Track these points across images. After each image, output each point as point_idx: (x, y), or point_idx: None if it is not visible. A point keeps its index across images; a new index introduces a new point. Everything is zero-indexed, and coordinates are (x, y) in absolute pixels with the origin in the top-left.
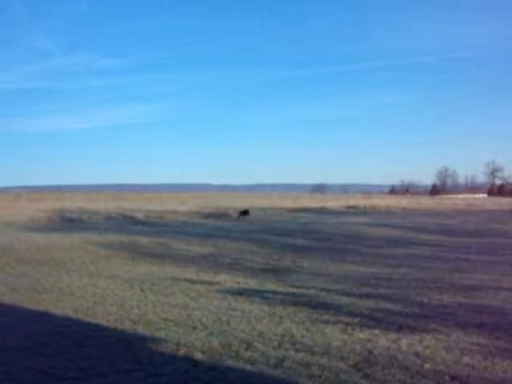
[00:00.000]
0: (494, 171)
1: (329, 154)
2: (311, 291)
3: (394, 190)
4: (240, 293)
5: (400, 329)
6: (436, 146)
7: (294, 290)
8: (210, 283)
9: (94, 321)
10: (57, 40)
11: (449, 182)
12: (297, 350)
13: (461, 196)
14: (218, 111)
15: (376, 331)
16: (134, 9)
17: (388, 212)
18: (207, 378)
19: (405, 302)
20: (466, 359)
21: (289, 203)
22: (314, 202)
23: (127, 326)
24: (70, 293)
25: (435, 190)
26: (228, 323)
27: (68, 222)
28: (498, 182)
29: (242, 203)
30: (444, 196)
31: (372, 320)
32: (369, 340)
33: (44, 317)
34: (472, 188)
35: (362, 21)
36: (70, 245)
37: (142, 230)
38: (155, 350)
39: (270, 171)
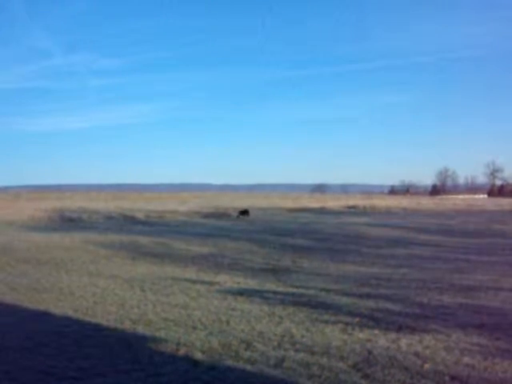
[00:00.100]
0: (494, 172)
1: (329, 154)
2: (311, 291)
3: (394, 191)
4: (240, 293)
5: (400, 329)
6: (436, 147)
7: (294, 290)
8: (210, 283)
9: (93, 320)
10: (56, 39)
11: (449, 182)
12: (296, 350)
13: (461, 196)
14: (218, 111)
15: (376, 331)
16: (133, 8)
17: (388, 212)
18: (207, 377)
19: (405, 302)
20: (466, 359)
21: (289, 203)
22: (314, 202)
23: (127, 325)
24: (69, 292)
25: (435, 191)
26: (228, 323)
27: (68, 222)
28: (498, 182)
29: (242, 203)
30: (444, 196)
31: (372, 320)
32: (368, 340)
33: (44, 316)
34: (472, 188)
35: (362, 21)
36: (70, 244)
37: (142, 229)
38: (155, 349)
39: (270, 171)
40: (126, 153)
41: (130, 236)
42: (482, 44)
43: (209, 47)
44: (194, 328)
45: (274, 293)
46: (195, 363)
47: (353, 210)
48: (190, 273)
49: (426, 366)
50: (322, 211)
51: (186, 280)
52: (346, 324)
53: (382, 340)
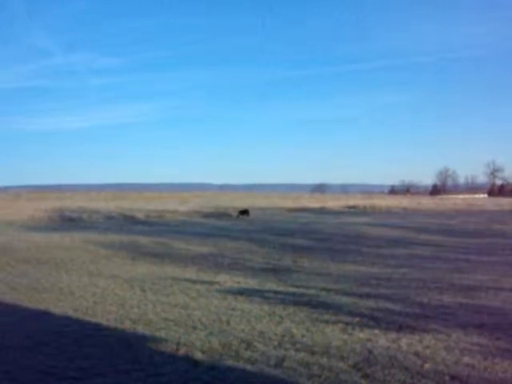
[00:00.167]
0: (494, 171)
1: (329, 154)
2: (311, 291)
3: (394, 190)
4: (240, 292)
5: (400, 329)
6: (436, 146)
7: (294, 290)
8: (210, 283)
9: (93, 320)
10: (56, 39)
11: (449, 182)
12: (297, 350)
13: (461, 196)
14: (218, 110)
15: (376, 331)
16: (133, 7)
17: (388, 212)
18: (207, 377)
19: (405, 301)
20: (466, 359)
21: (289, 203)
22: (314, 202)
23: (127, 325)
24: (69, 292)
25: (435, 190)
26: (228, 323)
27: (68, 222)
28: (499, 182)
29: (242, 203)
30: (444, 196)
31: (372, 320)
32: (369, 340)
33: (44, 316)
34: (472, 188)
35: (362, 21)
36: (70, 244)
37: (142, 229)
38: (155, 349)
39: (270, 171)
40: (126, 152)
41: (130, 236)
42: (482, 44)
43: (209, 46)
44: (194, 328)
45: (275, 292)
46: (195, 363)
47: (353, 210)
48: (190, 273)
49: (426, 365)
50: (322, 211)
51: (186, 280)
52: (347, 324)
53: (382, 340)
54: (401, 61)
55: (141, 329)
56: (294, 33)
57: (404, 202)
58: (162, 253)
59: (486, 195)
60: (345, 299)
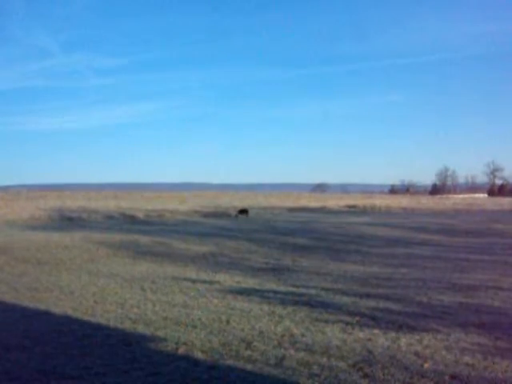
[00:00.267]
0: (494, 171)
1: (329, 154)
2: (311, 290)
3: (394, 190)
4: (240, 292)
5: (400, 328)
6: (436, 146)
7: (294, 290)
8: (210, 282)
9: (93, 320)
10: (56, 38)
11: (449, 181)
12: (296, 350)
13: (461, 196)
14: (218, 110)
15: (376, 330)
16: (133, 7)
17: (388, 212)
18: (207, 377)
19: (404, 301)
20: (465, 359)
21: (289, 202)
22: (314, 202)
23: (127, 325)
24: (69, 292)
25: (435, 190)
26: (228, 322)
27: (68, 221)
28: (498, 181)
29: (242, 202)
30: (444, 196)
31: (372, 319)
32: (368, 339)
33: (44, 315)
34: (472, 188)
35: (362, 20)
36: (70, 244)
37: (142, 229)
38: (155, 349)
39: (270, 171)
40: (126, 152)
41: (129, 235)
42: (483, 43)
43: (209, 46)
44: (194, 327)
45: (274, 292)
46: (195, 362)
47: (353, 210)
48: (190, 272)
49: (426, 365)
50: (322, 211)
51: (186, 279)
52: (346, 323)
53: (381, 339)
54: (401, 60)
55: (140, 328)
56: (294, 32)
57: (404, 201)
58: (161, 252)
59: (485, 195)
60: (344, 299)
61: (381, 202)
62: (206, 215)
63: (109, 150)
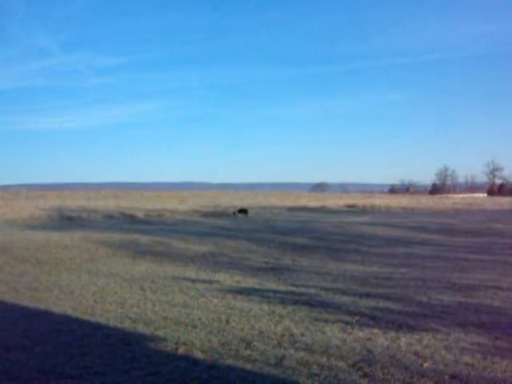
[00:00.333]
0: (493, 171)
1: (329, 153)
2: (311, 290)
3: (393, 190)
4: (239, 292)
5: (399, 328)
6: (436, 146)
7: (294, 289)
8: (210, 282)
9: (93, 319)
10: (56, 38)
11: (449, 181)
12: (296, 349)
13: (461, 195)
14: (218, 109)
15: (375, 330)
16: (133, 7)
17: (388, 211)
18: (207, 376)
19: (404, 301)
20: (465, 358)
21: (288, 202)
22: (314, 201)
23: (126, 324)
24: (69, 291)
25: (435, 190)
26: (227, 322)
27: (67, 221)
28: (498, 181)
29: (242, 202)
30: (444, 195)
31: (371, 319)
32: (368, 339)
33: (43, 315)
34: (472, 187)
35: (362, 20)
36: (70, 243)
37: (142, 228)
38: (154, 348)
39: (270, 170)
40: (126, 151)
41: (129, 235)
42: (483, 43)
43: (209, 46)
44: (194, 327)
45: (274, 291)
46: (195, 362)
47: (352, 209)
48: (190, 272)
49: (426, 365)
50: (321, 210)
51: (186, 279)
52: (346, 323)
53: (381, 339)
54: (401, 59)
55: (140, 328)
56: (295, 32)
57: (404, 201)
58: (161, 252)
59: (485, 194)
60: (344, 298)
61: (380, 201)
62: (206, 215)
63: (109, 149)
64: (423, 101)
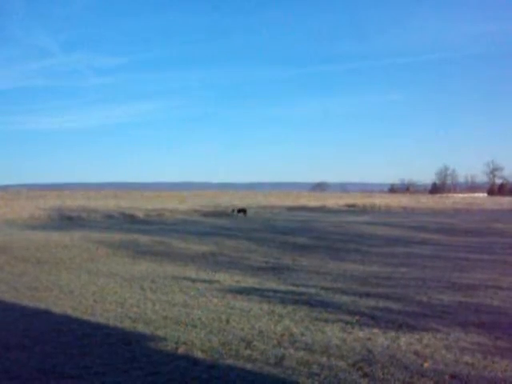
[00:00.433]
0: (493, 170)
1: (329, 153)
2: (311, 290)
3: (393, 189)
4: (239, 291)
5: (399, 327)
6: (436, 145)
7: (294, 289)
8: (210, 282)
9: (93, 319)
10: (56, 38)
11: (449, 181)
12: (296, 349)
13: (460, 195)
14: (218, 109)
15: (375, 330)
16: (133, 6)
17: (388, 211)
18: (207, 376)
19: (404, 300)
20: (465, 358)
21: (288, 202)
22: (314, 201)
23: (126, 324)
24: (69, 291)
25: (435, 189)
26: (227, 322)
27: (67, 220)
28: (498, 181)
29: (242, 201)
30: (444, 195)
31: (371, 319)
32: (368, 339)
33: (43, 315)
34: (472, 187)
35: (362, 20)
36: (70, 243)
37: (142, 228)
38: (155, 348)
39: (270, 170)
40: (126, 151)
41: (129, 234)
42: (483, 43)
43: (209, 46)
44: (194, 327)
45: (274, 291)
46: (195, 362)
47: (352, 209)
48: (190, 271)
49: (426, 364)
50: (321, 210)
51: (186, 278)
52: (346, 323)
53: (381, 339)
54: (401, 59)
55: (140, 327)
56: (295, 31)
57: (404, 200)
58: (161, 251)
59: (485, 194)
60: (344, 298)
61: (380, 201)
62: (206, 214)
63: (108, 149)
64: (423, 101)
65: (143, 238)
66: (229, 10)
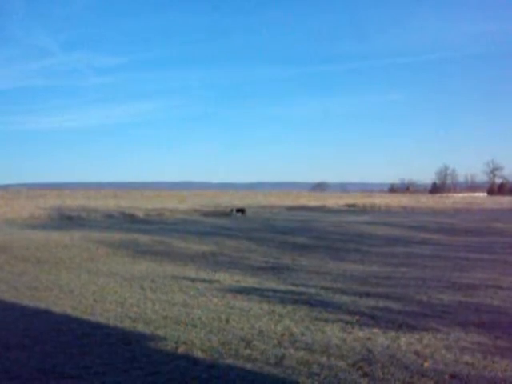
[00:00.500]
0: (493, 170)
1: (329, 153)
2: (311, 289)
3: (393, 189)
4: (239, 291)
5: (399, 327)
6: (436, 145)
7: (294, 288)
8: (210, 281)
9: (93, 319)
10: (56, 38)
11: (449, 180)
12: (296, 349)
13: (460, 195)
14: (218, 109)
15: (375, 330)
16: (133, 6)
17: (388, 210)
18: (207, 376)
19: (404, 300)
20: (465, 358)
21: (288, 201)
22: (314, 201)
23: (126, 323)
24: (69, 291)
25: (435, 189)
26: (227, 321)
27: (67, 220)
28: (498, 180)
29: (242, 201)
30: (444, 195)
31: (371, 318)
32: (368, 338)
33: (43, 314)
34: (472, 187)
35: (362, 19)
36: (70, 242)
37: (142, 227)
38: (155, 348)
39: (270, 169)
40: (126, 151)
41: (129, 234)
42: (483, 42)
43: (208, 45)
44: (194, 326)
45: (274, 291)
46: (195, 361)
47: (352, 209)
48: (190, 271)
49: (426, 364)
50: (321, 209)
51: (186, 278)
52: (346, 322)
53: (381, 338)
54: (401, 59)
55: (140, 327)
56: (295, 31)
57: (404, 200)
58: (161, 251)
59: (485, 194)
60: (344, 298)
61: (380, 200)
62: (206, 214)
63: (108, 149)
64: (423, 101)
65: (143, 238)
66: (229, 10)
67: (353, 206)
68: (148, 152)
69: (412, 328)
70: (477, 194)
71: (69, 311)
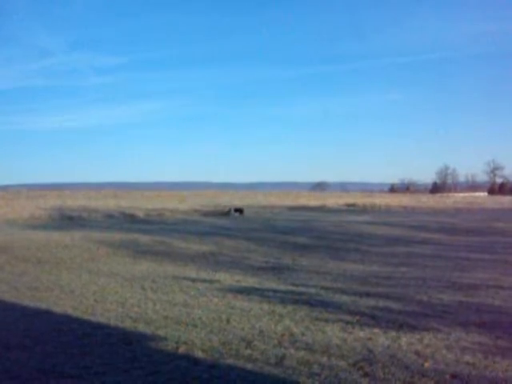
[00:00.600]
0: (494, 170)
1: (329, 153)
2: (311, 289)
3: (394, 189)
4: (240, 291)
5: (400, 327)
6: (436, 145)
7: (294, 288)
8: (210, 281)
9: (93, 319)
10: (57, 38)
11: (449, 180)
12: (297, 349)
13: (461, 194)
14: (218, 109)
15: (376, 330)
16: (134, 6)
17: (388, 210)
18: (207, 376)
19: (405, 300)
20: (466, 358)
21: (288, 201)
22: (314, 200)
23: (127, 324)
24: (70, 291)
25: (435, 189)
26: (228, 321)
27: (68, 220)
28: (499, 180)
29: (242, 201)
30: (444, 194)
31: (372, 318)
32: (369, 338)
33: (44, 315)
34: (472, 186)
35: (362, 20)
36: (70, 243)
37: (142, 228)
38: (155, 348)
39: (271, 169)
40: (126, 151)
41: (130, 234)
42: (483, 42)
43: (209, 45)
44: (194, 326)
45: (274, 291)
46: (195, 361)
47: (353, 208)
48: (190, 271)
49: (427, 364)
50: (321, 209)
51: (186, 278)
52: (346, 322)
53: (382, 338)
54: (401, 59)
55: (141, 327)
56: (295, 31)
57: (404, 200)
58: (161, 251)
59: (486, 193)
60: (344, 298)
61: (381, 200)
62: (206, 214)
63: (109, 148)
64: (423, 100)
65: (144, 238)
66: (229, 10)
67: (353, 205)
68: (148, 152)
69: (413, 328)
70: (477, 194)
71: (69, 311)
